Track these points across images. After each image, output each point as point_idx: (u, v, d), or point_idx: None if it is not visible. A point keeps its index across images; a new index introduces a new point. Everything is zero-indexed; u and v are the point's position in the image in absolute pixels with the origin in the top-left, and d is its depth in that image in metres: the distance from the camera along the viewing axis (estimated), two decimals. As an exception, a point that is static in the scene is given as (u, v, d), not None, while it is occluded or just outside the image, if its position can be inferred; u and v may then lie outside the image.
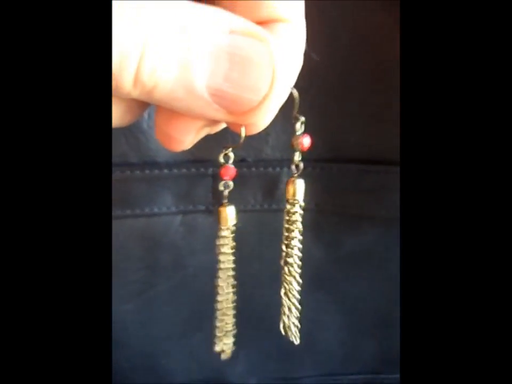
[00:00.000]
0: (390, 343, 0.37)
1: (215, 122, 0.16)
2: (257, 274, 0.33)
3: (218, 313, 0.20)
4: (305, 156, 0.29)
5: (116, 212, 0.28)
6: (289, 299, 0.20)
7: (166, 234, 0.30)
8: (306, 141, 0.18)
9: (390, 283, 0.33)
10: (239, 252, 0.32)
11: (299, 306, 0.20)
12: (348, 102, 0.26)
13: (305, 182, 0.29)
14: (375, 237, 0.31)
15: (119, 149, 0.27)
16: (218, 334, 0.20)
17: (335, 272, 0.33)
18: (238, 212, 0.30)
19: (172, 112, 0.15)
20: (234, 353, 0.38)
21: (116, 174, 0.27)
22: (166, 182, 0.28)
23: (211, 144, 0.23)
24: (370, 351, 0.38)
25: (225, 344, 0.20)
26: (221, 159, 0.18)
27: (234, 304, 0.20)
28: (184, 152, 0.28)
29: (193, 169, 0.28)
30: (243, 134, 0.16)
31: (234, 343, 0.20)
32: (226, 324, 0.20)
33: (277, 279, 0.34)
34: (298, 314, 0.20)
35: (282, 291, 0.19)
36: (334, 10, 0.24)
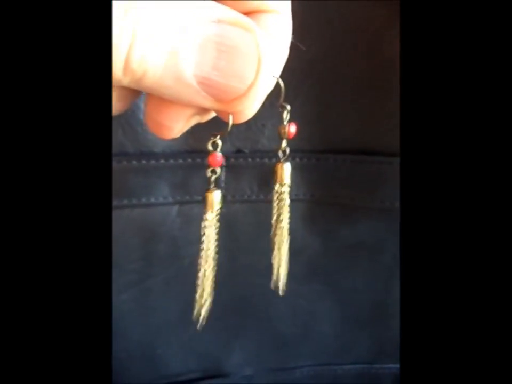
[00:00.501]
0: (384, 333, 0.37)
1: (204, 110, 0.17)
2: (253, 265, 0.33)
3: (198, 288, 0.21)
4: (301, 147, 0.29)
5: (112, 202, 0.28)
6: (279, 263, 0.21)
7: (163, 225, 0.30)
8: (292, 129, 0.19)
9: (384, 274, 0.34)
10: (235, 242, 0.32)
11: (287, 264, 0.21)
12: (343, 94, 0.26)
13: (301, 173, 0.30)
14: (369, 228, 0.31)
15: (116, 139, 0.27)
16: (197, 306, 0.21)
17: (331, 263, 0.33)
18: (235, 202, 0.30)
19: (161, 99, 0.16)
20: (231, 344, 0.38)
21: (113, 164, 0.27)
22: (163, 172, 0.28)
23: (208, 135, 0.23)
24: (365, 342, 0.38)
25: (202, 315, 0.21)
26: (209, 147, 0.18)
27: (214, 280, 0.21)
28: (180, 142, 0.29)
29: (189, 160, 0.28)
30: (231, 122, 0.16)
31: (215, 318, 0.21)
32: (204, 297, 0.21)
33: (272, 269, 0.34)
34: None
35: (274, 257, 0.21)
36: (330, 3, 0.24)
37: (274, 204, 0.20)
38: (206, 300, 0.21)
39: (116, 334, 0.34)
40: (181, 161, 0.28)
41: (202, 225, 0.20)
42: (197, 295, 0.21)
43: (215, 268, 0.21)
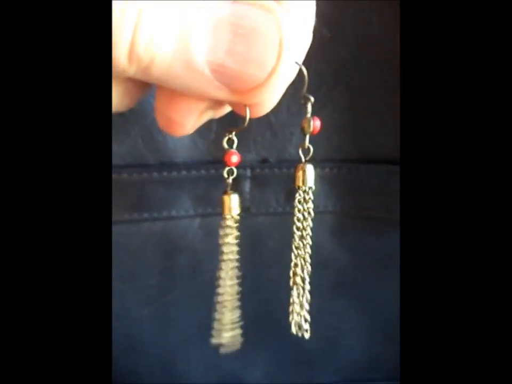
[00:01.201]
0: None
1: (218, 103, 0.15)
2: (277, 279, 0.32)
3: (218, 306, 0.19)
4: (331, 156, 0.27)
5: (132, 215, 0.27)
6: (299, 296, 0.19)
7: (184, 238, 0.29)
8: (317, 124, 0.17)
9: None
10: (258, 257, 0.31)
11: (309, 299, 0.19)
12: (377, 99, 0.25)
13: (330, 183, 0.28)
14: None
15: (135, 150, 0.26)
16: (216, 327, 0.19)
17: (359, 277, 0.32)
18: (259, 215, 0.29)
19: (172, 92, 0.14)
20: (253, 359, 0.37)
21: (133, 176, 0.26)
22: (184, 184, 0.27)
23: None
24: (394, 357, 0.36)
25: (224, 338, 0.19)
26: (225, 144, 0.17)
27: (237, 296, 0.19)
28: (203, 152, 0.27)
29: (212, 171, 0.27)
30: (248, 116, 0.15)
31: (241, 337, 0.20)
32: (227, 317, 0.19)
33: (298, 284, 0.33)
34: (308, 308, 0.19)
35: (294, 290, 0.20)
36: (365, 6, 0.23)
37: (296, 213, 0.19)
38: (229, 322, 0.19)
39: (135, 348, 0.34)
40: (203, 172, 0.26)
41: (221, 232, 0.18)
42: (218, 316, 0.19)
43: (237, 282, 0.19)
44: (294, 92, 0.17)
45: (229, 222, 0.18)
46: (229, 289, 0.19)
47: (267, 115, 0.27)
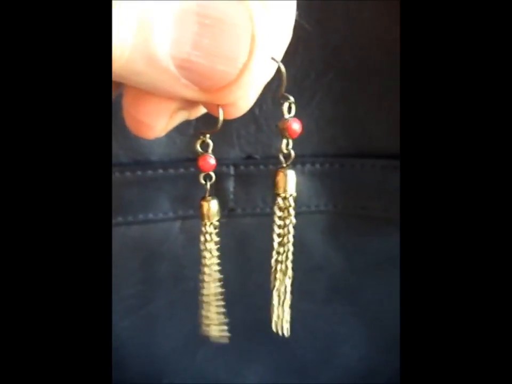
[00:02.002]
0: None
1: (191, 103, 0.14)
2: (267, 284, 0.30)
3: (204, 305, 0.19)
4: (322, 151, 0.26)
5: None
6: (280, 296, 0.19)
7: (164, 243, 0.27)
8: (295, 126, 0.16)
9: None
10: (246, 261, 0.29)
11: (289, 301, 0.19)
12: (372, 87, 0.23)
13: (322, 181, 0.26)
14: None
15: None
16: (205, 322, 0.19)
17: (355, 281, 0.30)
18: (245, 216, 0.27)
19: (139, 91, 0.13)
20: (244, 370, 0.35)
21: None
22: (162, 184, 0.25)
23: (213, 140, 0.20)
24: (394, 366, 0.35)
25: (215, 331, 0.20)
26: (198, 148, 0.16)
27: (221, 296, 0.19)
28: (181, 148, 0.25)
29: (192, 169, 0.25)
30: (221, 117, 0.14)
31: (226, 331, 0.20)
32: (213, 313, 0.19)
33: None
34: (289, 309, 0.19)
35: (275, 290, 0.19)
36: None
37: (276, 222, 0.18)
38: (215, 318, 0.20)
39: (116, 363, 0.32)
40: (182, 170, 0.25)
41: (201, 239, 0.18)
42: (205, 313, 0.20)
43: (221, 285, 0.19)
44: (279, 81, 0.15)
45: (209, 229, 0.18)
46: (213, 291, 0.19)
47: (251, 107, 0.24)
